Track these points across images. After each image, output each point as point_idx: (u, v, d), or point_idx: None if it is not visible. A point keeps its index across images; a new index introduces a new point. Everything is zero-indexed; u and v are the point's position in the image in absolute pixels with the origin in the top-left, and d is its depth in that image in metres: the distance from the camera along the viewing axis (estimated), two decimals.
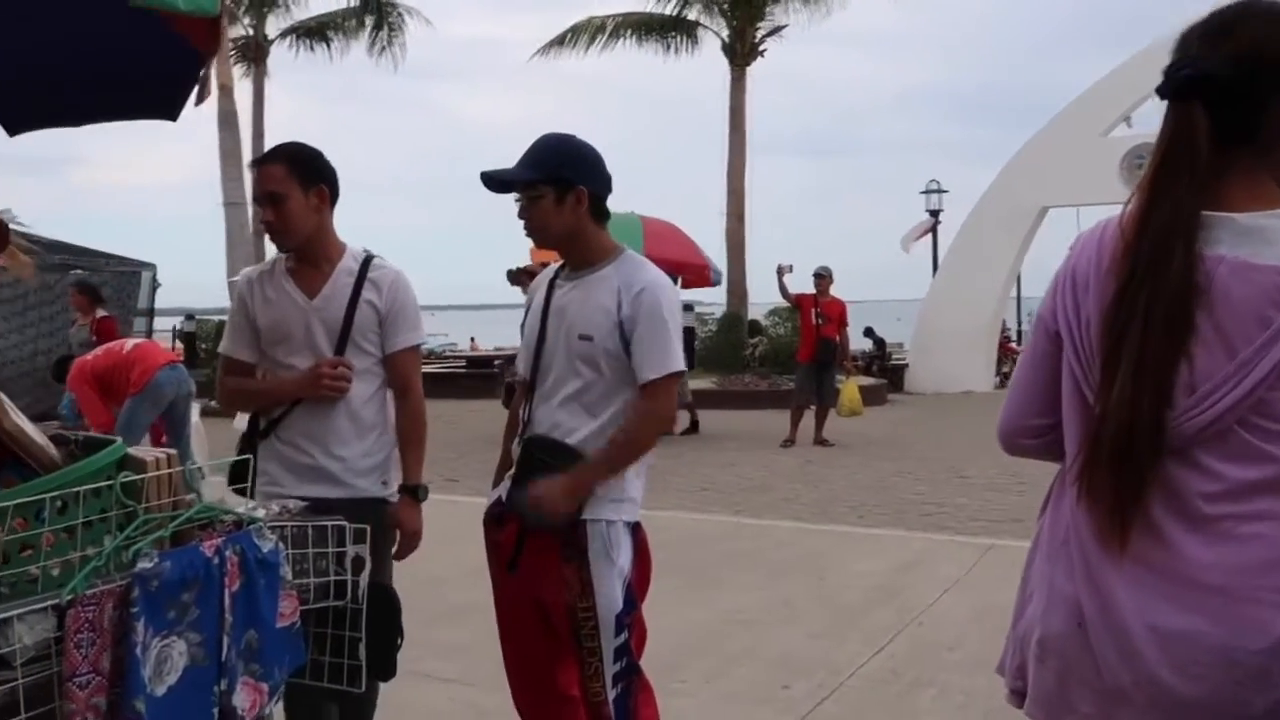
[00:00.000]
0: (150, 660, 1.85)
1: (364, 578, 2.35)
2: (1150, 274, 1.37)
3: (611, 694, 2.59)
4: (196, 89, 2.78)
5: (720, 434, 12.57)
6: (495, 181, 2.65)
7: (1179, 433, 1.37)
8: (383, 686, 4.11)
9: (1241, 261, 1.35)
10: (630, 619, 2.62)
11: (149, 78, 2.86)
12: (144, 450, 2.04)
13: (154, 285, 17.37)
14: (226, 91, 19.41)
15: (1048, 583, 1.50)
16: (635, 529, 2.64)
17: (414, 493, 2.95)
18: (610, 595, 2.56)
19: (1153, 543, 1.39)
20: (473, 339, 30.25)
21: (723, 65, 21.63)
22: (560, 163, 2.63)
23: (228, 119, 18.39)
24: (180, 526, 1.98)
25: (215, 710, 1.97)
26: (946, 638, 4.64)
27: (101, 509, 1.90)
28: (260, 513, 2.28)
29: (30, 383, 12.54)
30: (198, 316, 22.03)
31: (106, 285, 16.58)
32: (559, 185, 2.59)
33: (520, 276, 9.91)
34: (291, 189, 2.81)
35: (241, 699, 2.03)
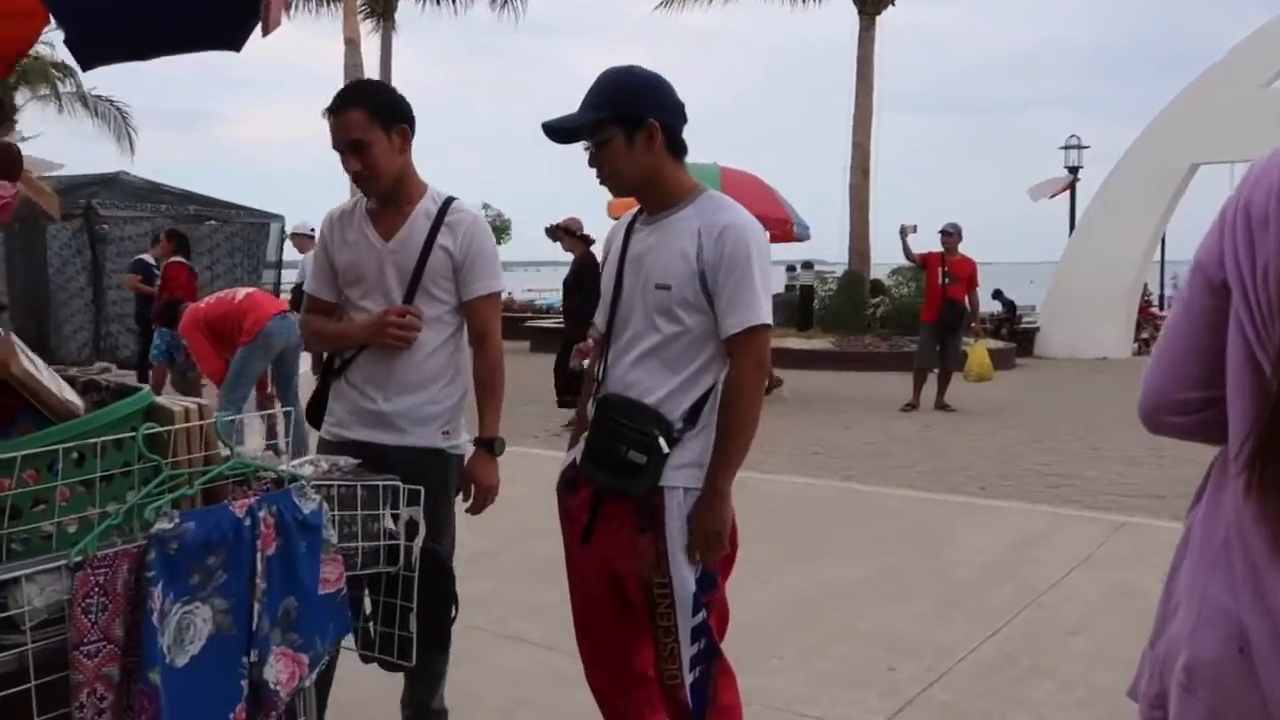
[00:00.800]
0: (170, 628, 1.70)
1: (417, 543, 2.17)
2: None
3: (689, 678, 2.37)
4: (261, 21, 2.62)
5: (837, 396, 12.17)
6: (559, 132, 2.42)
7: None
8: (468, 646, 4.04)
9: None
10: (710, 597, 2.38)
11: (211, 9, 2.72)
12: (174, 400, 1.89)
13: (282, 237, 17.80)
14: (353, 45, 19.76)
15: (1200, 595, 1.20)
16: None
17: (489, 446, 2.82)
18: (685, 572, 2.33)
19: None
20: None
21: (851, 15, 20.82)
22: (624, 98, 2.36)
23: (353, 73, 18.63)
24: (208, 484, 1.83)
25: (244, 683, 1.82)
26: (1070, 622, 4.27)
27: (124, 463, 1.75)
28: (308, 469, 2.12)
29: None
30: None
31: (237, 236, 17.17)
32: (627, 123, 2.33)
33: (558, 233, 9.70)
34: (374, 133, 2.68)
35: (276, 671, 1.88)
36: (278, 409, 6.95)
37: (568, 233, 9.71)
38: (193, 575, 1.74)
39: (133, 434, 1.73)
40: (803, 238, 12.21)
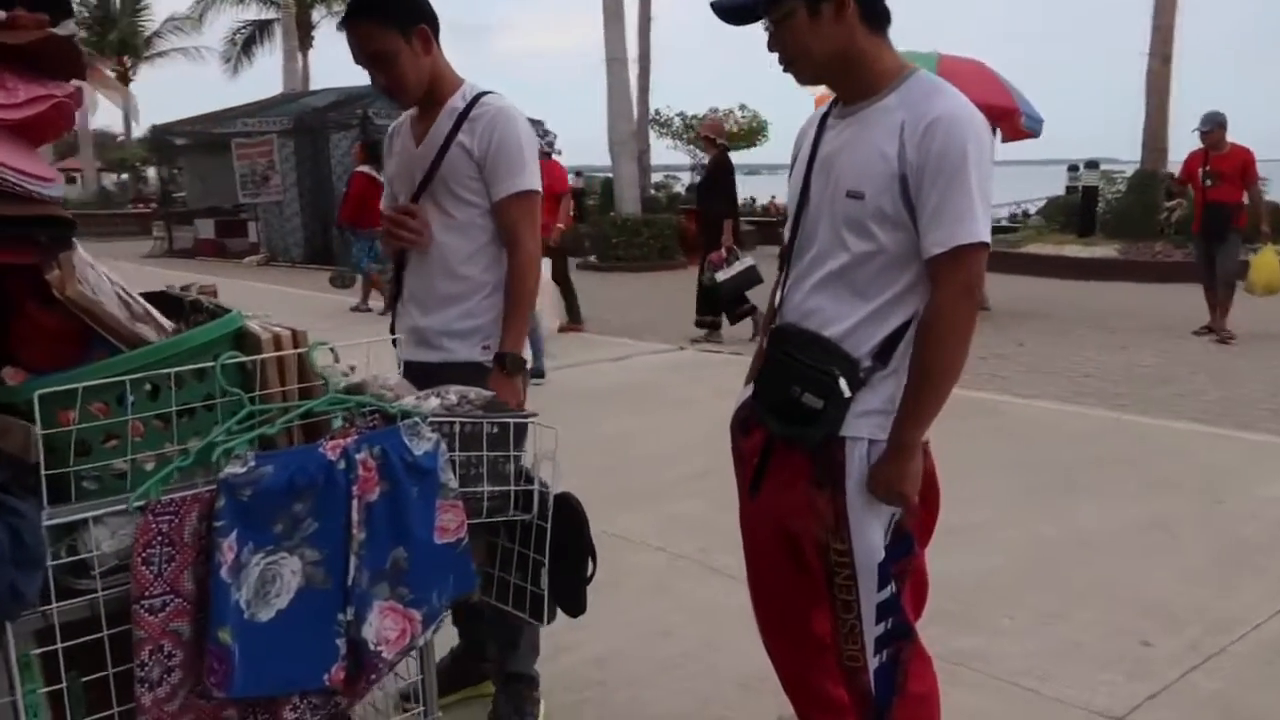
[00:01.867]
0: (250, 580, 1.53)
1: (557, 486, 1.91)
2: None
3: (873, 662, 2.00)
4: None
5: (1116, 311, 10.97)
6: (730, 11, 2.01)
7: None
8: (668, 577, 3.83)
9: None
10: (902, 566, 1.99)
11: None
12: (267, 325, 1.70)
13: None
14: None
15: None
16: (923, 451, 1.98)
17: (500, 361, 2.55)
18: (871, 536, 1.95)
19: None
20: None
21: None
22: None
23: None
24: (290, 423, 1.62)
25: (340, 641, 1.63)
26: None
27: (206, 395, 1.58)
28: (433, 402, 1.89)
29: None
30: (585, 174, 22.76)
31: None
32: None
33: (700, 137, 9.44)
34: (393, 42, 2.46)
35: (380, 628, 1.68)
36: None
37: (708, 141, 9.45)
38: (276, 523, 1.56)
39: (210, 365, 1.54)
40: (1033, 132, 10.78)
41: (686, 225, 16.54)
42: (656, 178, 25.99)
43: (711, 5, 2.01)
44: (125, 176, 36.51)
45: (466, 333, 2.60)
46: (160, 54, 37.34)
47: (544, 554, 1.91)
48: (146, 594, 1.46)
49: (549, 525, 1.90)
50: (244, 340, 1.65)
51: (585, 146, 22.90)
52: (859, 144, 1.93)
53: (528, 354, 2.65)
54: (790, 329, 2.00)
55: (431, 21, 2.54)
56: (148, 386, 1.52)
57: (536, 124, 16.31)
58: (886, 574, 1.96)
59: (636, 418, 6.30)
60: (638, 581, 3.77)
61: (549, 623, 1.98)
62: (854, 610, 1.98)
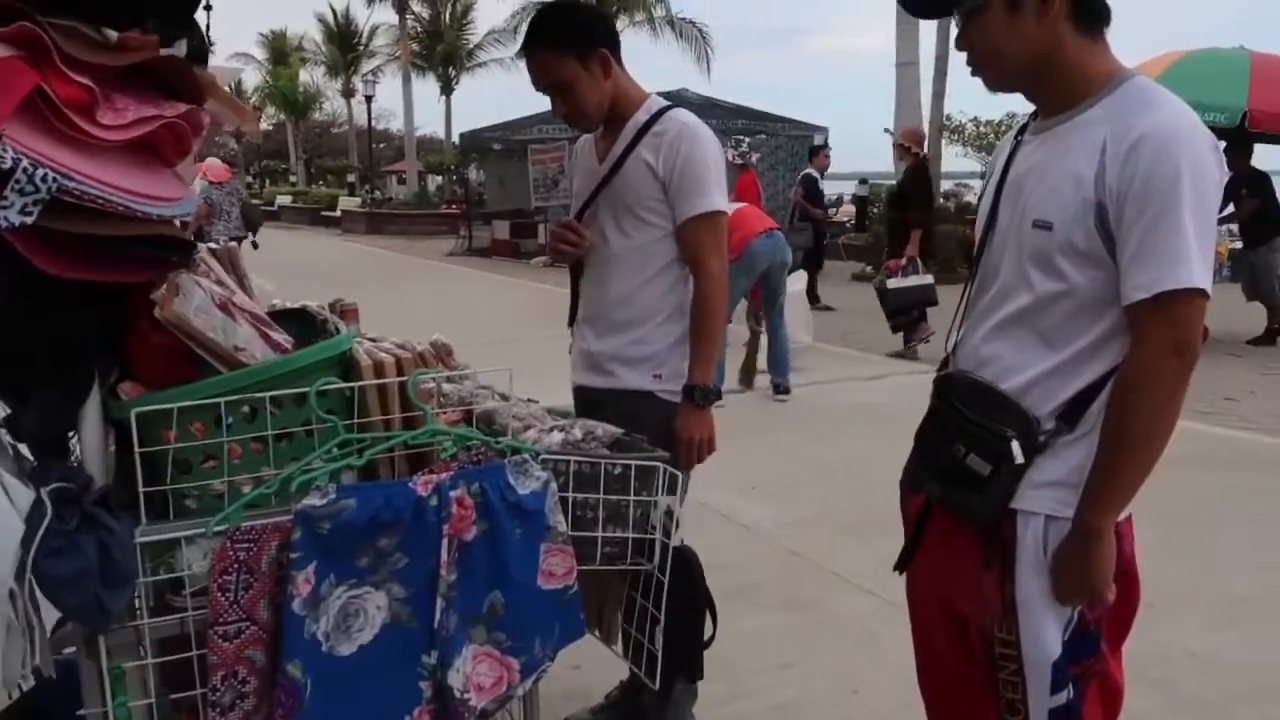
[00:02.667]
0: (330, 613, 1.49)
1: (673, 538, 1.76)
2: None
3: None
4: None
5: None
6: (919, 3, 1.77)
7: None
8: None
9: None
10: (1084, 670, 1.67)
11: None
12: (375, 348, 1.65)
13: (825, 148, 17.82)
14: None
15: None
16: (1114, 534, 1.65)
17: (690, 394, 2.42)
18: (1044, 630, 1.65)
19: None
20: None
21: None
22: None
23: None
24: (379, 453, 1.57)
25: (425, 684, 1.56)
26: None
27: (306, 419, 1.55)
28: (555, 437, 1.79)
29: None
30: (870, 181, 22.17)
31: (781, 149, 17.48)
32: None
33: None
34: (571, 70, 2.39)
35: (471, 674, 1.60)
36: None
37: (905, 149, 9.23)
38: (360, 557, 1.51)
39: (304, 391, 1.51)
40: None
41: (970, 236, 15.75)
42: (947, 185, 24.90)
43: None
44: (441, 179, 39.47)
45: (637, 360, 2.50)
46: (480, 65, 40.16)
47: (660, 609, 1.76)
48: (221, 620, 1.44)
49: (666, 579, 1.75)
50: (351, 365, 1.62)
51: (875, 153, 22.25)
52: (1053, 164, 1.64)
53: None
54: (961, 378, 1.74)
55: (611, 43, 2.46)
56: (245, 409, 1.51)
57: (734, 139, 16.42)
58: (1063, 676, 1.65)
59: (879, 441, 5.97)
60: (841, 626, 3.52)
61: (658, 687, 1.82)
62: (1020, 713, 1.69)
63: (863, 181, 21.85)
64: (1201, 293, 1.52)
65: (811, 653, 3.29)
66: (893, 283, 8.30)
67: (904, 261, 8.34)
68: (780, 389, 7.12)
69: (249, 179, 46.06)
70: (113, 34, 1.41)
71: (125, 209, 1.39)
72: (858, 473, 5.16)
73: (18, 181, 1.27)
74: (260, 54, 48.04)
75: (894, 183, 12.22)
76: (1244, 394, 7.31)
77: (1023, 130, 1.79)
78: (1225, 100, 8.46)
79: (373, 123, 38.02)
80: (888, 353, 8.73)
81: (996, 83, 1.74)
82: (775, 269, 6.94)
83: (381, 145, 48.84)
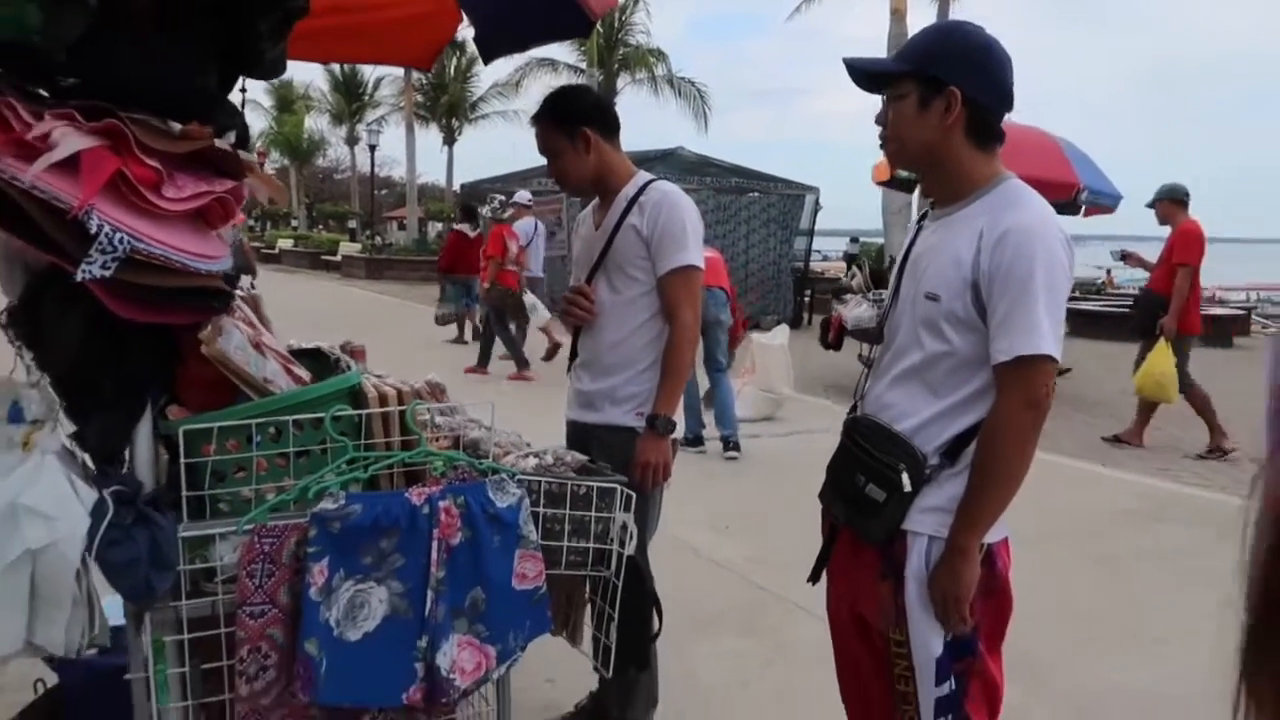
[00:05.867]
0: (338, 604, 1.79)
1: (628, 549, 2.07)
2: None
3: None
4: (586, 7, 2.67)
5: None
6: (859, 75, 2.11)
7: None
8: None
9: None
10: (964, 667, 1.98)
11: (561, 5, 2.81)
12: (381, 383, 1.98)
13: (816, 208, 18.28)
14: (899, 16, 19.45)
15: None
16: (988, 554, 1.97)
17: (651, 422, 2.78)
18: (927, 632, 1.96)
19: None
20: (1109, 271, 26.47)
21: None
22: (934, 54, 1.99)
23: (898, 42, 18.37)
24: (379, 470, 1.89)
25: (419, 665, 1.86)
26: None
27: (321, 440, 1.87)
28: (530, 462, 2.12)
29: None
30: (861, 239, 22.63)
31: (773, 207, 17.90)
32: (926, 84, 1.97)
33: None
34: (558, 142, 2.86)
35: (454, 659, 1.89)
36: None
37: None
38: (365, 556, 1.82)
39: (320, 416, 1.84)
40: (1101, 206, 9.48)
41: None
42: None
43: (846, 63, 2.10)
44: (442, 226, 40.01)
45: (623, 399, 2.84)
46: (483, 116, 40.96)
47: (615, 608, 2.07)
48: (248, 602, 1.75)
49: (619, 582, 2.06)
50: (359, 396, 1.94)
51: (866, 214, 22.82)
52: (942, 248, 1.99)
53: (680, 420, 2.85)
54: (865, 420, 2.07)
55: (601, 126, 2.84)
56: (271, 430, 1.83)
57: (490, 197, 17.14)
58: (946, 671, 1.97)
59: None
60: (795, 651, 3.81)
61: (611, 674, 2.12)
62: (912, 703, 1.99)
63: (854, 240, 22.37)
64: (1050, 358, 1.86)
65: (767, 677, 3.58)
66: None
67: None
68: (729, 444, 7.05)
69: (250, 223, 46.58)
70: (177, 126, 1.75)
71: (181, 265, 1.72)
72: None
73: (100, 243, 1.60)
74: (267, 101, 48.93)
75: (883, 241, 12.66)
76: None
77: (924, 218, 2.14)
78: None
79: (375, 170, 38.62)
80: None
81: (895, 160, 2.11)
82: (711, 324, 6.97)
83: (383, 192, 49.50)
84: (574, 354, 3.04)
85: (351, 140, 46.25)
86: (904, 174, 9.46)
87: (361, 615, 1.83)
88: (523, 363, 10.44)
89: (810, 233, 18.24)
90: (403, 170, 40.18)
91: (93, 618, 1.72)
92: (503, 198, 13.38)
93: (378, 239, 36.21)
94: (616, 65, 33.32)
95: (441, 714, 2.00)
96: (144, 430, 1.82)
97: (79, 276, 1.58)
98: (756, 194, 17.80)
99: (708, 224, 16.17)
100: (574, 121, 2.82)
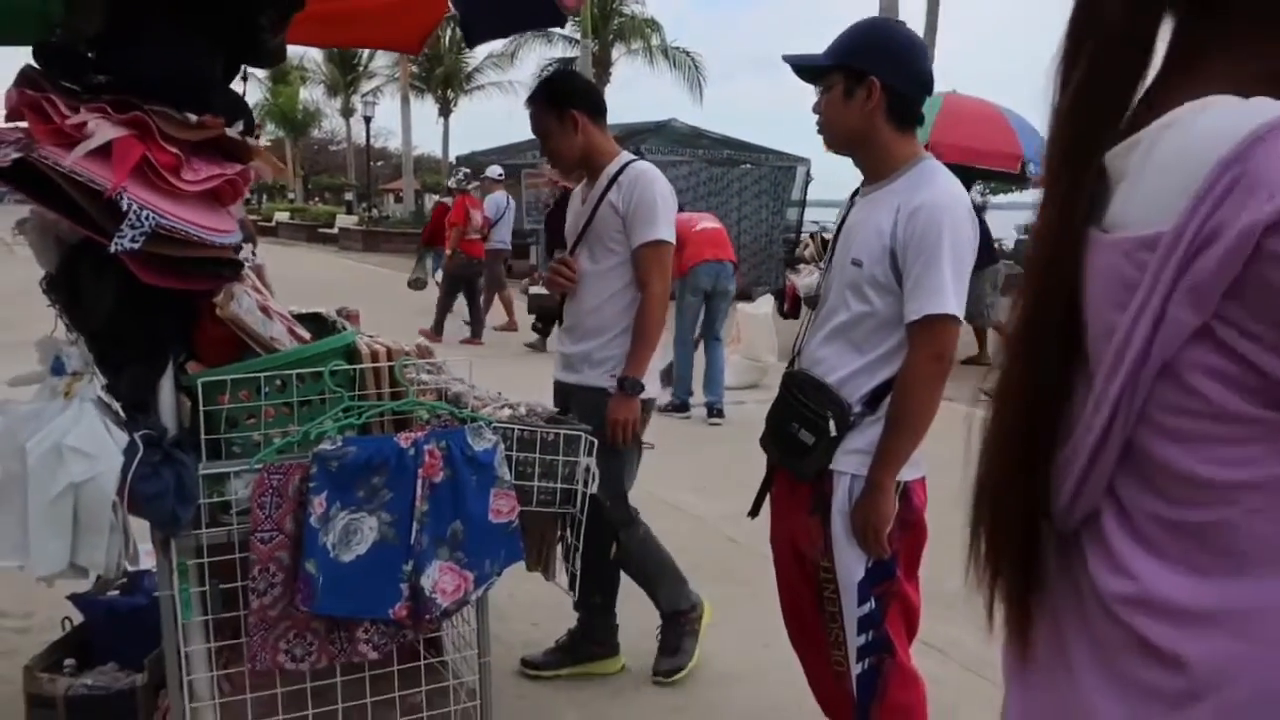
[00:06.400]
0: (334, 530, 2.08)
1: (591, 489, 2.35)
2: None
3: (855, 668, 2.30)
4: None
5: None
6: (796, 68, 2.38)
7: None
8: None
9: None
10: (883, 590, 2.27)
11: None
12: (372, 342, 2.26)
13: (807, 179, 18.49)
14: None
15: None
16: (905, 491, 2.26)
17: (621, 384, 3.05)
18: (850, 559, 2.25)
19: None
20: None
21: None
22: (856, 48, 2.26)
23: (889, 14, 18.52)
24: (368, 418, 2.17)
25: (404, 586, 2.15)
26: None
27: (320, 392, 2.15)
28: (505, 413, 2.39)
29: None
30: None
31: (764, 179, 18.11)
32: (850, 75, 2.24)
33: None
34: (549, 123, 3.11)
35: (437, 579, 2.18)
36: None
37: None
38: (358, 490, 2.10)
39: (320, 370, 2.11)
40: (1024, 177, 9.65)
41: None
42: None
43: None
44: (438, 198, 40.11)
45: (599, 361, 3.11)
46: (478, 88, 40.95)
47: (579, 540, 2.36)
48: (259, 529, 2.04)
49: (583, 517, 2.35)
50: (354, 353, 2.22)
51: (848, 185, 23.00)
52: (868, 220, 2.26)
53: (653, 384, 3.13)
54: (800, 374, 2.35)
55: (588, 108, 3.11)
56: (278, 382, 2.11)
57: (459, 169, 17.47)
58: (866, 593, 2.26)
59: None
60: (763, 597, 4.11)
61: (574, 595, 2.42)
62: (838, 621, 2.29)
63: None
64: (954, 318, 2.14)
65: (735, 616, 3.88)
66: (533, 290, 9.93)
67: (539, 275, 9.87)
68: (713, 410, 7.39)
69: (247, 196, 46.59)
70: (193, 117, 2.01)
71: (198, 239, 1.99)
72: None
73: (129, 219, 1.87)
74: (261, 72, 48.78)
75: None
76: None
77: (855, 194, 2.41)
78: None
79: (371, 142, 38.69)
80: None
81: (829, 145, 2.39)
82: (716, 295, 7.39)
83: (379, 164, 49.57)
84: (560, 319, 3.31)
85: (347, 112, 46.23)
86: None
87: (355, 540, 2.11)
88: (479, 331, 10.84)
89: (801, 204, 18.45)
90: (398, 142, 40.36)
91: (126, 543, 2.01)
92: (467, 170, 13.77)
93: (374, 211, 36.33)
94: (611, 36, 33.32)
95: (426, 630, 2.30)
96: (167, 382, 2.10)
97: (112, 248, 1.85)
98: (748, 165, 18.01)
99: (700, 195, 16.52)
100: (564, 104, 3.08)
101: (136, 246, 1.88)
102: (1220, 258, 0.71)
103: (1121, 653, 0.81)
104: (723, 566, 4.49)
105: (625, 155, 3.20)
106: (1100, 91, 0.84)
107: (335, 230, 31.70)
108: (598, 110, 3.17)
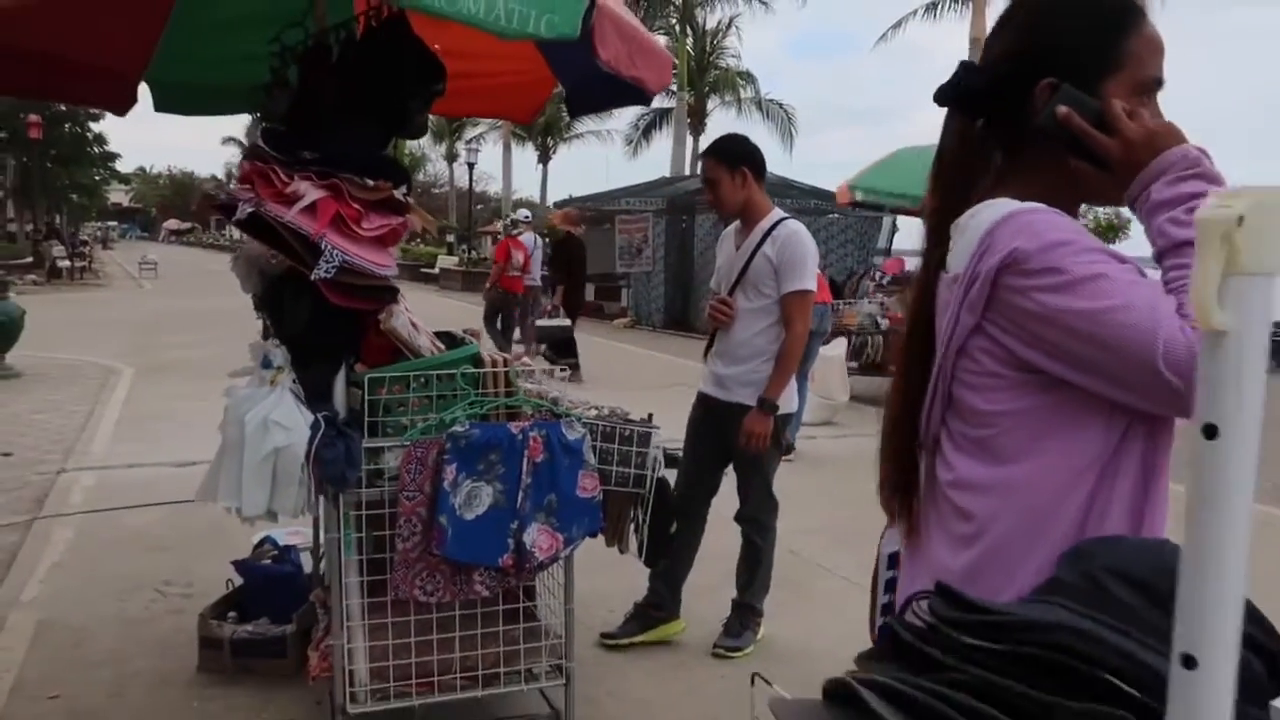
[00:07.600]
0: (461, 494, 2.74)
1: (658, 473, 2.98)
2: None
3: None
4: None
5: None
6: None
7: None
8: None
9: None
10: None
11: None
12: (493, 353, 2.93)
13: (893, 229, 18.94)
14: (978, 44, 20.00)
15: None
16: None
17: (760, 403, 3.65)
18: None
19: None
20: None
21: None
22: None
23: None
24: (489, 410, 2.83)
25: (510, 540, 2.80)
26: None
27: (454, 388, 2.83)
28: (592, 413, 3.05)
29: None
30: None
31: (851, 229, 18.60)
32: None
33: None
34: (720, 174, 3.71)
35: (535, 538, 2.82)
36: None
37: None
38: (479, 464, 2.76)
39: (454, 372, 2.79)
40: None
41: None
42: None
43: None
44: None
45: (747, 384, 3.74)
46: (577, 136, 42.28)
47: (647, 516, 2.98)
48: (405, 490, 2.71)
49: (651, 498, 2.97)
50: (478, 361, 2.89)
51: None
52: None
53: (791, 404, 3.79)
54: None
55: (755, 167, 3.75)
56: (422, 380, 2.79)
57: (510, 215, 18.34)
58: None
59: None
60: (816, 599, 4.65)
61: (643, 561, 3.04)
62: None
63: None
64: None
65: (789, 613, 4.44)
66: (540, 322, 11.84)
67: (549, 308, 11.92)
68: (787, 449, 8.01)
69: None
70: (370, 181, 2.73)
71: (371, 272, 2.69)
72: (864, 503, 6.26)
73: (325, 257, 2.58)
74: None
75: None
76: None
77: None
78: (915, 190, 9.85)
79: (473, 186, 40.07)
80: None
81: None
82: (814, 335, 8.02)
83: (480, 206, 51.19)
84: (710, 345, 3.93)
85: (450, 157, 48.09)
86: (861, 196, 11.37)
87: (475, 502, 2.77)
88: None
89: (886, 252, 18.89)
90: (498, 185, 41.81)
91: (308, 496, 2.70)
92: (515, 216, 15.24)
93: (473, 253, 37.61)
94: (706, 88, 34.26)
95: (526, 579, 2.94)
96: (341, 378, 2.80)
97: (313, 277, 2.56)
98: (836, 215, 18.53)
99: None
100: (736, 161, 3.71)
101: (330, 276, 2.59)
102: (979, 287, 1.32)
103: (947, 517, 1.41)
104: (782, 574, 5.04)
105: (778, 212, 3.80)
106: (948, 194, 1.46)
107: (436, 270, 32.85)
108: (761, 172, 3.78)
